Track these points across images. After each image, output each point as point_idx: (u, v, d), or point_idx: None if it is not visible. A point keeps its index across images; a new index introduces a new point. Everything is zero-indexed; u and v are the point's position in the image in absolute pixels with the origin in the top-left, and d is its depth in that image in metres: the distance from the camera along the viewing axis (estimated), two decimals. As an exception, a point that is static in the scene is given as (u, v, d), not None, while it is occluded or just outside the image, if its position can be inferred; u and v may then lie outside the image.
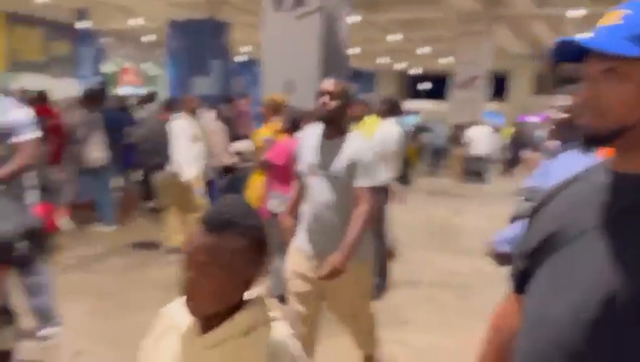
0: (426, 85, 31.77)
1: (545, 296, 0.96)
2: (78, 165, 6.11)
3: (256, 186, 4.84)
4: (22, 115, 3.15)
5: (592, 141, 0.92)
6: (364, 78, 27.19)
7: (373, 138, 4.61)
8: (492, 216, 6.18)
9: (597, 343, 0.86)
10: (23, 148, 3.06)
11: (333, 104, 2.59)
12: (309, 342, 2.77)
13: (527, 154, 13.71)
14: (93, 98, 6.31)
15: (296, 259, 2.80)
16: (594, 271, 0.88)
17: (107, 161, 6.23)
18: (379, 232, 4.61)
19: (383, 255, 4.69)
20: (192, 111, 5.47)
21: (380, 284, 4.59)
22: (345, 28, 8.29)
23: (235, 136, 6.59)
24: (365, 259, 2.72)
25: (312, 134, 2.76)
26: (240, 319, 1.10)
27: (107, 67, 19.13)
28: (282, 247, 4.25)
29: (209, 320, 1.10)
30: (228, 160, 6.28)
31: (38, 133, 3.15)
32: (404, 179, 5.52)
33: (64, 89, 11.60)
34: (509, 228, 2.25)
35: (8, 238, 2.49)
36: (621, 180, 0.92)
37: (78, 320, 3.74)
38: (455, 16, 15.08)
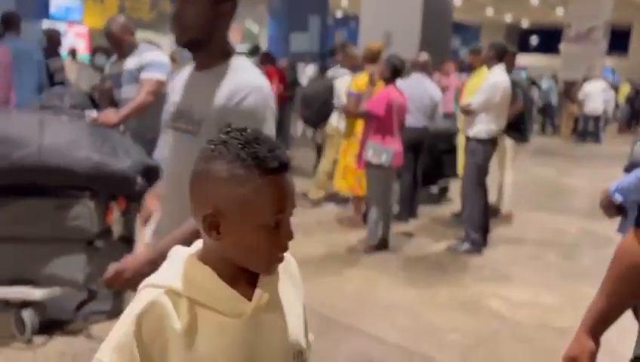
0: (536, 39, 29.67)
1: None
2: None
3: (354, 135, 4.84)
4: (157, 56, 3.41)
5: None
6: (469, 31, 25.91)
7: (480, 88, 4.41)
8: (604, 177, 5.76)
9: None
10: (145, 84, 3.26)
11: (189, 12, 1.50)
12: None
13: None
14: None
15: None
16: None
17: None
18: (482, 185, 4.46)
19: (485, 209, 4.54)
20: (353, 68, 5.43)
21: (479, 240, 4.47)
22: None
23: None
24: None
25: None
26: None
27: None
28: (381, 198, 4.26)
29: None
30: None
31: (164, 76, 3.32)
32: (520, 134, 5.21)
33: (172, 45, 12.17)
34: (625, 177, 2.08)
35: (127, 173, 2.69)
36: None
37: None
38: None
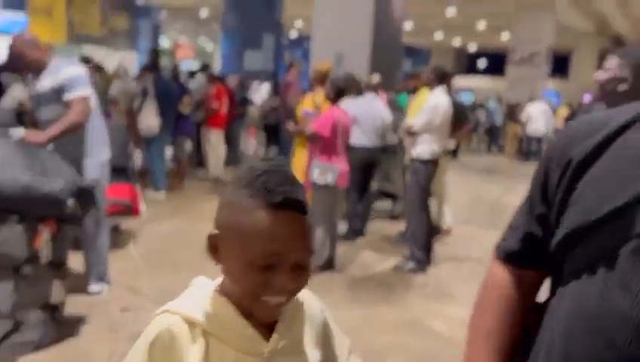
0: (483, 62, 30.74)
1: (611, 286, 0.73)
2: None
3: (299, 157, 4.85)
4: (75, 71, 3.21)
5: None
6: (420, 54, 26.61)
7: (422, 110, 4.51)
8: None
9: None
10: (73, 104, 3.13)
11: None
12: None
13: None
14: (147, 68, 6.47)
15: None
16: None
17: (160, 129, 6.39)
18: (424, 204, 4.54)
19: (429, 228, 4.62)
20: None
21: (423, 258, 4.54)
22: (399, 1, 8.10)
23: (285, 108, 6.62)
24: None
25: None
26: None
27: (163, 41, 19.55)
28: (327, 217, 4.27)
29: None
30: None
31: (89, 91, 3.21)
32: (453, 152, 5.39)
33: (122, 62, 11.95)
34: None
35: (58, 195, 2.60)
36: None
37: (127, 279, 3.89)
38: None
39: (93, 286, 3.52)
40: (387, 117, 5.44)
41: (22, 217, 2.58)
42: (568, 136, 0.88)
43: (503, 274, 1.00)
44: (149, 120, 6.28)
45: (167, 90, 6.65)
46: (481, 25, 20.83)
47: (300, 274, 0.81)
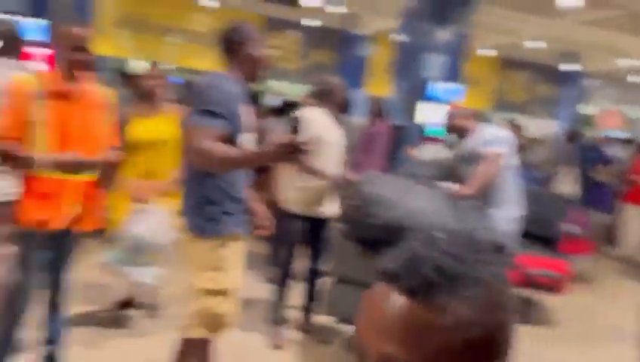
0: None
1: None
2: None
3: None
4: (499, 132, 3.54)
5: None
6: None
7: None
8: None
9: None
10: (487, 157, 3.39)
11: None
12: None
13: None
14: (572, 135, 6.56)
15: None
16: None
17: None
18: None
19: None
20: None
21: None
22: None
23: None
24: None
25: None
26: None
27: (587, 108, 18.80)
28: None
29: None
30: None
31: (505, 150, 3.44)
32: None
33: (543, 129, 12.18)
34: None
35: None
36: None
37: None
38: None
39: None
40: None
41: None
42: None
43: None
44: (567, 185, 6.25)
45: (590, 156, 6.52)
46: None
47: None
